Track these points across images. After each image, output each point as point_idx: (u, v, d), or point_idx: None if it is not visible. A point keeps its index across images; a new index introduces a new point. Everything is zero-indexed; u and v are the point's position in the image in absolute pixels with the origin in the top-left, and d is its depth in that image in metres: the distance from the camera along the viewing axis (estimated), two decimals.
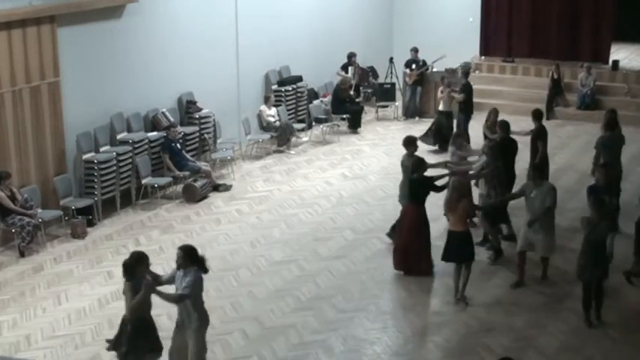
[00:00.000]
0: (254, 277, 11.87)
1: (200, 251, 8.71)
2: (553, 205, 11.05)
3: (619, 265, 11.44)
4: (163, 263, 12.33)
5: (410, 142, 12.73)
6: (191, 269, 8.57)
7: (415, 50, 20.58)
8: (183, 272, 8.58)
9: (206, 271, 8.75)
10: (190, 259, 8.59)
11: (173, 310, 10.81)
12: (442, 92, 17.85)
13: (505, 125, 13.34)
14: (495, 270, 11.85)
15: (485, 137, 14.60)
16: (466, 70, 18.65)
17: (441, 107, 17.88)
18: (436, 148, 17.53)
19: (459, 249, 10.81)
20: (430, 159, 16.47)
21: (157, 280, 8.67)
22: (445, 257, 11.06)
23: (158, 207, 14.68)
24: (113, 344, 8.63)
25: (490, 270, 11.84)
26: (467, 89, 17.59)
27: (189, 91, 16.56)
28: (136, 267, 8.40)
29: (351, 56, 20.39)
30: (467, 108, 17.52)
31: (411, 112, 20.57)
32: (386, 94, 20.73)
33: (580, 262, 10.24)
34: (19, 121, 13.04)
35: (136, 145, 14.75)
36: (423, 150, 16.27)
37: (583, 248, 10.19)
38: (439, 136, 17.57)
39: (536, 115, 14.22)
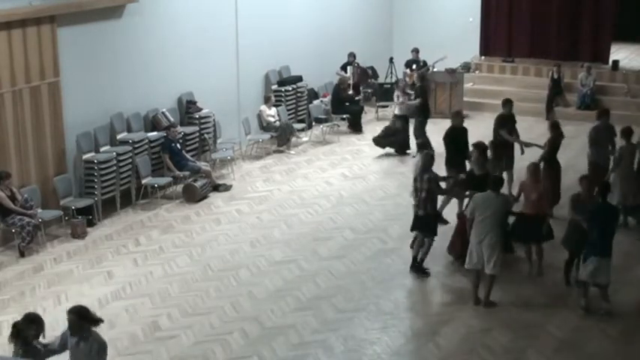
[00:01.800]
0: (254, 277, 11.87)
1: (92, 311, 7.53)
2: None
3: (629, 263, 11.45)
4: (164, 263, 12.35)
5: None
6: (87, 334, 7.29)
7: (416, 51, 20.56)
8: (78, 339, 7.29)
9: (100, 321, 7.40)
10: (83, 321, 7.29)
11: (173, 309, 10.85)
12: (398, 97, 17.37)
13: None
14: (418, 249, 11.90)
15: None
16: (422, 74, 18.67)
17: (397, 111, 17.45)
18: (391, 151, 17.46)
19: (529, 230, 11.54)
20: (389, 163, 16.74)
21: (47, 348, 7.54)
22: (515, 236, 11.71)
23: (158, 207, 14.68)
24: None
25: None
26: (422, 93, 17.45)
27: (189, 91, 16.56)
28: (26, 329, 7.39)
29: (350, 55, 20.38)
30: (424, 112, 17.30)
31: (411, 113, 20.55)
32: (386, 94, 20.69)
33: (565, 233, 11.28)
34: (19, 121, 13.04)
35: (136, 145, 14.74)
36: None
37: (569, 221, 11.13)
38: (396, 139, 17.36)
39: (504, 103, 14.61)
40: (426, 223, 11.70)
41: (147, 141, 15.08)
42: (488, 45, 22.73)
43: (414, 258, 11.86)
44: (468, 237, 10.90)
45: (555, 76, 20.48)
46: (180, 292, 11.41)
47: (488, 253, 10.55)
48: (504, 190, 12.15)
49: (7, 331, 10.27)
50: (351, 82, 20.09)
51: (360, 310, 10.82)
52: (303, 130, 18.86)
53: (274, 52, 18.86)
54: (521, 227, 11.61)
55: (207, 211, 14.54)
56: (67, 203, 13.57)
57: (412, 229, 11.97)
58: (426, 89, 17.99)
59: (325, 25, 20.59)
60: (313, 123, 19.43)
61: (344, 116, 19.33)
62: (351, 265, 12.24)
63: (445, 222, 13.07)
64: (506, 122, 14.30)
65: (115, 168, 14.16)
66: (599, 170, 13.39)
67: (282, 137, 17.84)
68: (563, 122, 19.76)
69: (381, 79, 21.59)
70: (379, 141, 17.52)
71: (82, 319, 7.24)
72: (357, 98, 19.97)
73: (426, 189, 11.48)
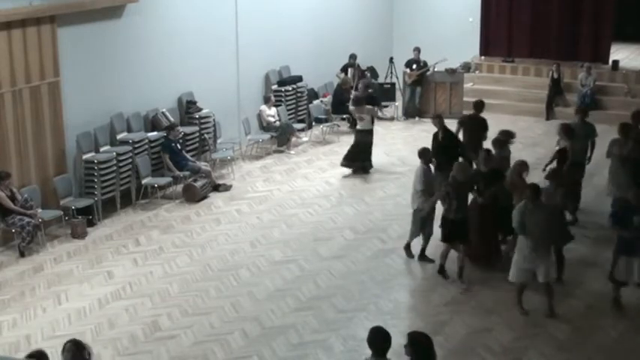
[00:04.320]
0: (254, 277, 11.87)
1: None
2: None
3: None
4: (164, 263, 12.36)
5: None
6: None
7: (418, 50, 20.55)
8: None
9: None
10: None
11: (173, 309, 10.86)
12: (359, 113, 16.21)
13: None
14: (495, 270, 11.80)
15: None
16: (367, 82, 18.15)
17: (360, 126, 16.25)
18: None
19: None
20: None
21: None
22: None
23: (158, 207, 14.68)
24: None
25: (490, 270, 11.81)
26: (369, 103, 16.85)
27: (189, 91, 16.56)
28: None
29: (351, 57, 20.33)
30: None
31: (411, 113, 20.58)
32: (386, 94, 20.71)
33: None
34: (19, 121, 13.04)
35: (136, 145, 14.75)
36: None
37: None
38: (366, 155, 16.40)
39: (475, 106, 14.70)
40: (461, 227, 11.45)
41: (147, 141, 15.07)
42: (489, 45, 22.73)
43: (442, 266, 11.66)
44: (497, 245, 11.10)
45: (555, 76, 20.48)
46: (180, 292, 11.41)
47: (547, 262, 10.40)
48: None
49: (7, 331, 10.36)
50: (354, 84, 20.03)
51: (360, 310, 10.82)
52: (303, 130, 18.87)
53: (274, 52, 18.87)
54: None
55: (207, 211, 14.54)
56: (67, 203, 13.57)
57: (448, 239, 11.54)
58: (375, 99, 17.34)
59: (325, 25, 20.60)
60: (313, 123, 19.44)
61: (344, 116, 19.32)
62: (351, 265, 12.24)
63: None
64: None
65: (115, 168, 14.16)
66: (573, 167, 13.18)
67: (282, 137, 17.84)
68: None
69: (381, 79, 21.58)
70: (349, 164, 16.41)
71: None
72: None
73: (447, 191, 11.29)
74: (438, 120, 13.86)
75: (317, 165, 17.07)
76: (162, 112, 15.60)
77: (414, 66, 20.48)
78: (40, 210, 12.96)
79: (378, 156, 17.44)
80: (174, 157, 15.18)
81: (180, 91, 16.40)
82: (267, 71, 18.86)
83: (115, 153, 14.22)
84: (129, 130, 15.03)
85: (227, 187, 15.57)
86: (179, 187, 15.19)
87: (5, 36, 12.65)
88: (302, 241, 13.12)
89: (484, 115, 14.70)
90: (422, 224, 12.12)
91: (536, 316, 10.64)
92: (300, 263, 12.31)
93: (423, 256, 12.23)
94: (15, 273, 12.03)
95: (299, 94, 19.27)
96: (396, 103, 20.89)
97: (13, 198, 12.60)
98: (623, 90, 20.52)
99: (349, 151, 16.36)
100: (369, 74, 20.97)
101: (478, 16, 22.54)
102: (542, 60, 21.96)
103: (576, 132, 13.42)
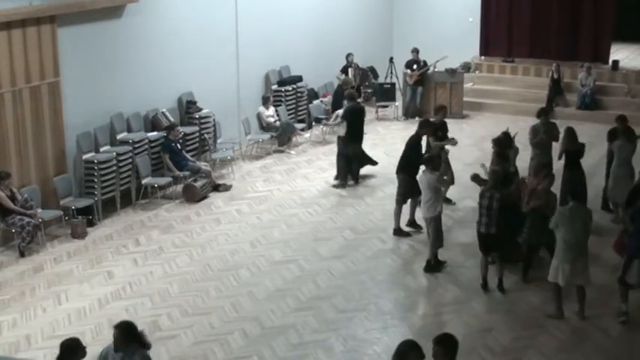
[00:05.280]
0: (254, 277, 11.88)
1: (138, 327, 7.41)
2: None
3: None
4: (164, 263, 12.36)
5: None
6: (134, 349, 7.18)
7: (416, 51, 20.55)
8: (124, 353, 7.18)
9: (148, 346, 7.30)
10: (129, 337, 7.22)
11: (173, 309, 10.86)
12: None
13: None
14: (495, 271, 11.79)
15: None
16: (350, 94, 16.36)
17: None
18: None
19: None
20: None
21: None
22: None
23: (158, 207, 14.68)
24: None
25: (490, 271, 11.79)
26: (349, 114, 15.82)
27: (189, 91, 16.56)
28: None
29: (348, 56, 20.34)
30: (352, 139, 15.69)
31: (412, 113, 20.57)
32: (386, 94, 20.71)
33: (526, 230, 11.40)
34: (19, 121, 13.04)
35: (136, 145, 14.75)
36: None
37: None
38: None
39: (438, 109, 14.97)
40: (499, 241, 11.24)
41: (147, 141, 15.07)
42: (489, 45, 22.73)
43: (484, 277, 11.34)
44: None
45: (555, 76, 20.48)
46: (180, 292, 11.42)
47: (584, 266, 10.35)
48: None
49: (7, 330, 10.35)
50: (355, 84, 20.03)
51: (360, 310, 10.82)
52: (303, 129, 18.86)
53: (274, 52, 18.87)
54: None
55: (207, 211, 14.54)
56: (67, 203, 13.57)
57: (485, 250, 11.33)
58: (358, 111, 16.15)
59: (325, 25, 20.60)
60: (313, 123, 19.44)
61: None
62: (351, 265, 12.24)
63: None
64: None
65: (115, 168, 14.16)
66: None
67: (282, 137, 17.84)
68: (563, 122, 19.83)
69: (381, 79, 21.59)
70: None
71: (125, 335, 7.17)
72: (358, 100, 19.93)
73: (497, 208, 10.98)
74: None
75: (317, 165, 17.07)
76: (163, 112, 15.60)
77: (415, 66, 20.48)
78: (40, 210, 12.96)
79: (378, 156, 17.47)
80: (174, 157, 15.18)
81: (180, 91, 16.40)
82: (267, 71, 18.86)
83: (115, 153, 14.22)
84: (129, 130, 15.03)
85: (227, 187, 15.57)
86: (179, 187, 15.19)
87: (5, 36, 12.65)
88: (302, 241, 13.13)
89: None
90: (438, 231, 11.87)
91: (536, 316, 10.64)
92: (300, 263, 12.31)
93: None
94: (15, 273, 12.03)
95: (299, 94, 19.27)
96: (396, 103, 20.89)
97: (13, 198, 12.60)
98: (623, 90, 20.52)
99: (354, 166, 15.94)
100: (370, 74, 21.02)
101: (478, 16, 22.55)
102: (542, 60, 21.96)
103: (539, 132, 13.74)
